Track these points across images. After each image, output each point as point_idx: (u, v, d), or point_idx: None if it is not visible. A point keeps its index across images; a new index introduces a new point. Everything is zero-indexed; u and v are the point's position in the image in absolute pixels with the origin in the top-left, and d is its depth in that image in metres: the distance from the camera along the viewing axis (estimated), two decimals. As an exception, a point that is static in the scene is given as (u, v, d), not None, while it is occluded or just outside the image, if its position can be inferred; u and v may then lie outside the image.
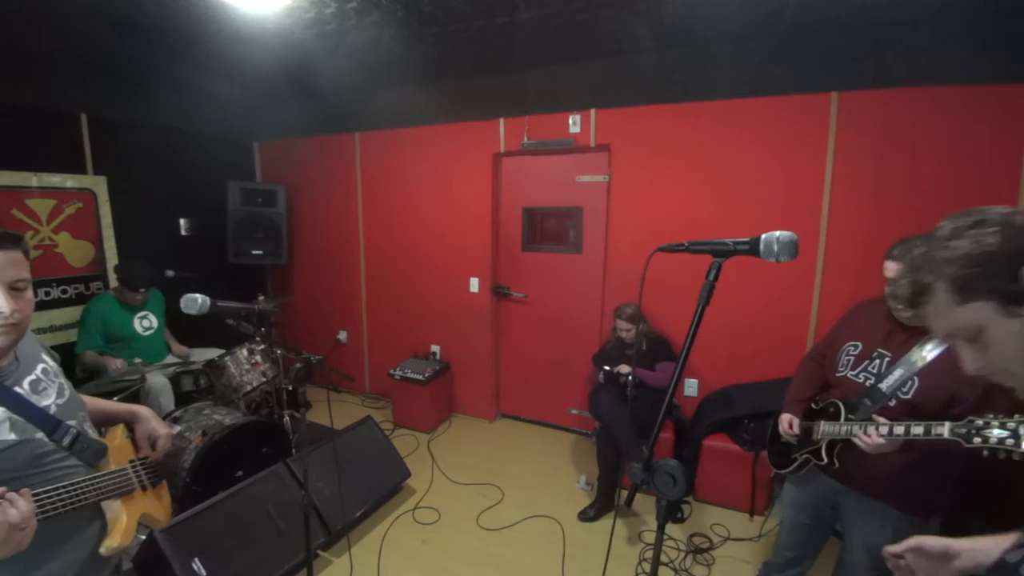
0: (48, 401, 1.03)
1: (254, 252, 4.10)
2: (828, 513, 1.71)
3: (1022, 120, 2.33)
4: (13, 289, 0.95)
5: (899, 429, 1.35)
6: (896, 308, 1.51)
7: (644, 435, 2.17)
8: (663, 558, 2.02)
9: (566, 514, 2.76)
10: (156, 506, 1.26)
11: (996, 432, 1.14)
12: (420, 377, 3.65)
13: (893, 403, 1.45)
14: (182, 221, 4.01)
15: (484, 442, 3.65)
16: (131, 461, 1.22)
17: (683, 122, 3.01)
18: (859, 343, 1.62)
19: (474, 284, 3.82)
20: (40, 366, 1.06)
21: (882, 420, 1.41)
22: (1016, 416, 1.15)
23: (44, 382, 1.05)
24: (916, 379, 1.44)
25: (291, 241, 4.38)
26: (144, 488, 1.23)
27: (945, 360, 1.40)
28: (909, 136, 2.52)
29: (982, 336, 0.71)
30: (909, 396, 1.42)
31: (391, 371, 3.78)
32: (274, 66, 3.18)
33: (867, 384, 1.53)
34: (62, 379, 1.11)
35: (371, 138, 4.05)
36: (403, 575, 2.32)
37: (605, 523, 2.71)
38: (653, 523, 1.00)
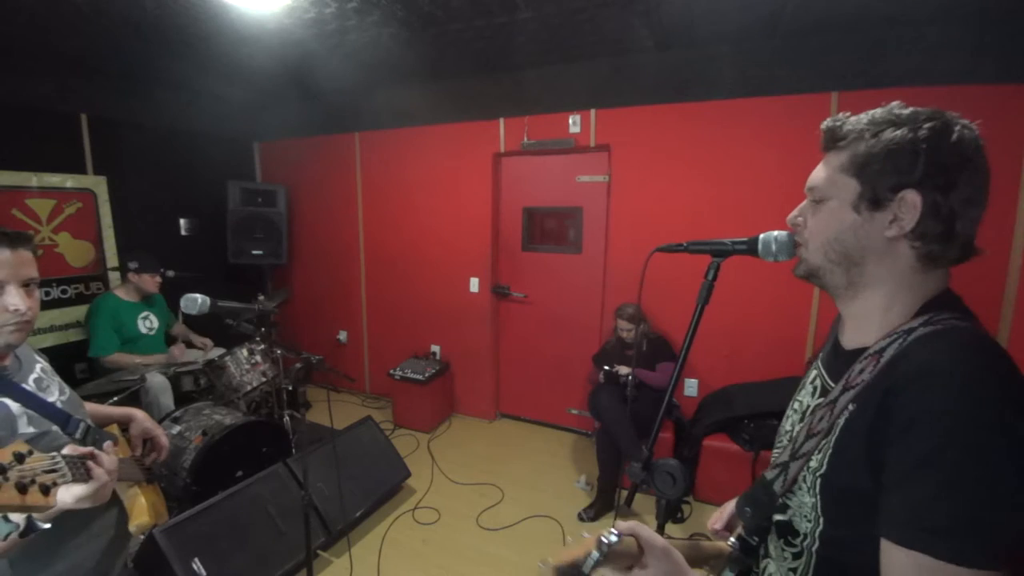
0: (53, 398, 1.04)
1: (254, 252, 4.10)
2: None
3: (1022, 120, 2.33)
4: (25, 287, 0.98)
5: None
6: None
7: (644, 435, 2.17)
8: (663, 558, 2.02)
9: (566, 514, 2.76)
10: (158, 499, 1.28)
11: None
12: (420, 377, 3.65)
13: None
14: (182, 221, 4.01)
15: (484, 442, 3.65)
16: (132, 457, 1.24)
17: (683, 122, 3.01)
18: None
19: (474, 284, 3.82)
20: (38, 365, 1.07)
21: None
22: None
23: (46, 380, 1.06)
24: None
25: (291, 241, 4.39)
26: (149, 481, 1.26)
27: None
28: (909, 136, 2.52)
29: (823, 206, 0.72)
30: None
31: (391, 371, 3.78)
32: (274, 66, 3.18)
33: None
34: (59, 378, 1.12)
35: (371, 138, 4.05)
36: (403, 575, 2.32)
37: (605, 523, 2.70)
38: (653, 523, 0.99)
